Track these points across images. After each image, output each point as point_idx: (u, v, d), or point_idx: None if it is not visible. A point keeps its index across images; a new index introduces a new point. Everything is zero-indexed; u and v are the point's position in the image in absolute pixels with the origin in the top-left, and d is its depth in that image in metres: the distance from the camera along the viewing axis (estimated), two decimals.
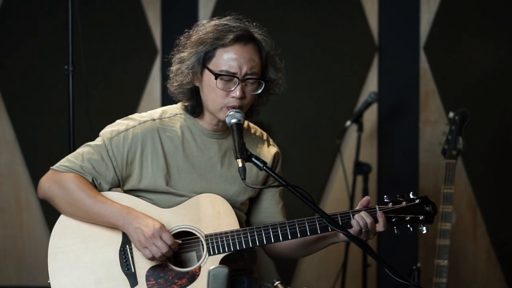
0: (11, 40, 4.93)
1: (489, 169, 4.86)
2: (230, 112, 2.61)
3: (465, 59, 4.88)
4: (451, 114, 4.09)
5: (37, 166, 4.89)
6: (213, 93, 2.62)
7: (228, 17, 2.68)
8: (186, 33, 2.71)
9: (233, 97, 2.61)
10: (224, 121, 2.65)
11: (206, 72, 2.62)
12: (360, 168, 4.63)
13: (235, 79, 2.61)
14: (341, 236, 2.67)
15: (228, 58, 2.60)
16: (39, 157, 4.88)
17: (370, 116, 4.87)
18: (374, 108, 4.86)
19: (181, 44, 2.69)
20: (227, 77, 2.60)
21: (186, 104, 2.72)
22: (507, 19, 4.84)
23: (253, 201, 2.82)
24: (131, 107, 4.73)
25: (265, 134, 2.88)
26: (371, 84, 4.89)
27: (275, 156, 2.84)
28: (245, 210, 2.79)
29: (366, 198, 2.71)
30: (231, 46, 2.60)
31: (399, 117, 4.92)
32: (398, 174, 4.91)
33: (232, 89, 2.61)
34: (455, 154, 4.04)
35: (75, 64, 3.92)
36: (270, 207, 2.83)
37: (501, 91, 4.85)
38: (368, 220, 2.64)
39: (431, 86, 4.87)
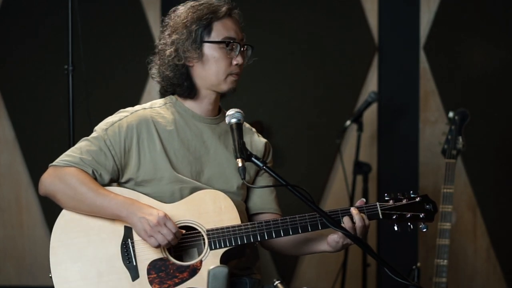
0: (11, 40, 4.94)
1: (489, 169, 4.86)
2: (230, 111, 2.63)
3: (465, 59, 4.88)
4: (451, 114, 4.09)
5: (37, 166, 4.90)
6: (217, 64, 2.71)
7: None
8: (165, 21, 2.81)
9: (235, 64, 2.72)
10: (223, 92, 2.76)
11: (207, 46, 2.71)
12: (360, 167, 4.64)
13: (237, 45, 2.72)
14: (330, 242, 2.68)
15: (227, 27, 2.72)
16: (39, 157, 4.87)
17: (370, 116, 4.87)
18: (374, 108, 4.86)
19: (167, 31, 2.76)
20: (232, 44, 2.70)
21: (179, 88, 2.77)
22: (507, 19, 4.85)
23: (249, 188, 2.84)
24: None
25: (253, 128, 2.92)
26: (371, 84, 4.89)
27: (266, 146, 2.88)
28: (243, 195, 2.81)
29: (362, 201, 2.72)
30: (225, 18, 2.72)
31: (399, 117, 4.93)
32: (398, 174, 4.91)
33: (236, 54, 2.72)
34: (455, 154, 4.04)
35: (75, 64, 3.92)
36: (264, 195, 2.85)
37: (501, 91, 4.85)
38: (367, 222, 2.66)
39: (431, 86, 4.87)
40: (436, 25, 4.85)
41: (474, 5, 4.84)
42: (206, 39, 2.71)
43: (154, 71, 2.82)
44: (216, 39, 2.70)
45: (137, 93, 4.91)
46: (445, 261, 3.95)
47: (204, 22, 2.70)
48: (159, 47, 2.78)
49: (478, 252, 4.86)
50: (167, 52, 2.73)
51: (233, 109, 2.63)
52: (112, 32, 4.95)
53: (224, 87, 2.73)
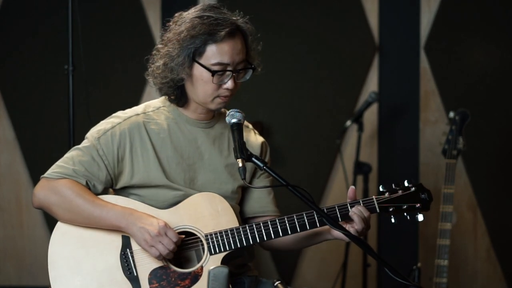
0: (11, 40, 4.93)
1: (489, 169, 4.86)
2: (231, 111, 2.61)
3: (465, 59, 4.88)
4: (451, 114, 4.09)
5: (37, 166, 4.89)
6: (205, 86, 2.63)
7: (208, 5, 2.67)
8: (168, 25, 2.70)
9: (225, 88, 2.63)
10: (211, 110, 2.70)
11: (197, 66, 2.62)
12: (360, 168, 4.63)
13: (228, 72, 2.62)
14: (335, 233, 2.68)
15: (220, 53, 2.60)
16: (39, 157, 4.88)
17: (370, 116, 4.87)
18: (374, 108, 4.86)
19: (166, 38, 2.67)
20: (221, 71, 2.61)
21: (170, 95, 2.72)
22: (507, 19, 4.85)
23: (245, 191, 2.82)
24: (130, 107, 4.72)
25: (250, 125, 2.87)
26: (371, 84, 4.89)
27: (263, 145, 2.84)
28: (238, 199, 2.78)
29: (352, 188, 2.71)
30: (222, 41, 2.60)
31: (399, 117, 4.92)
32: (398, 174, 4.90)
33: (226, 81, 2.63)
34: (455, 154, 4.04)
35: (75, 64, 3.92)
36: (263, 197, 2.83)
37: (501, 91, 4.85)
38: (366, 214, 2.66)
39: (431, 86, 4.87)
40: (436, 25, 4.85)
41: (474, 5, 4.84)
42: (197, 58, 2.61)
43: (149, 71, 2.74)
44: (206, 63, 2.60)
45: (137, 93, 4.91)
46: (446, 261, 3.95)
47: (198, 42, 2.59)
48: (154, 51, 2.71)
49: (479, 252, 4.86)
50: (156, 64, 2.67)
51: (233, 109, 2.62)
52: (112, 32, 4.95)
53: (211, 106, 2.68)
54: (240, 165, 2.50)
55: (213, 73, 2.60)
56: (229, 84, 2.62)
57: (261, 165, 2.51)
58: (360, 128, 4.65)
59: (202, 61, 2.61)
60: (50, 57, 4.85)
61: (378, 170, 4.90)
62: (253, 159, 2.52)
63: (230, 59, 2.61)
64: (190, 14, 2.65)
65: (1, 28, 4.93)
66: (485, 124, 4.78)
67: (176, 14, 2.70)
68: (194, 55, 2.60)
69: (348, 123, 4.67)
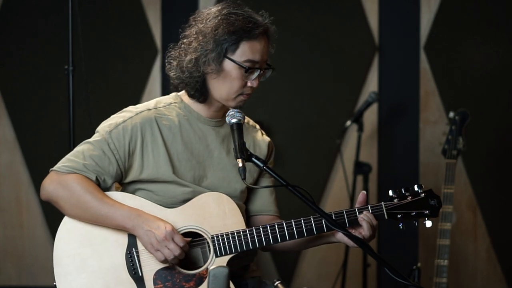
0: (11, 40, 4.93)
1: (489, 169, 4.86)
2: (231, 112, 2.60)
3: (465, 59, 4.88)
4: (451, 114, 4.09)
5: (37, 166, 4.89)
6: (233, 82, 2.64)
7: (234, 2, 2.69)
8: (195, 20, 2.69)
9: (250, 86, 2.65)
10: (229, 107, 2.68)
11: (227, 62, 2.62)
12: (360, 168, 4.63)
13: (257, 70, 2.65)
14: (338, 236, 2.67)
15: (253, 50, 2.63)
16: (39, 157, 4.88)
17: (370, 116, 4.87)
18: (374, 108, 4.86)
19: (195, 32, 2.66)
20: (251, 69, 2.63)
21: (191, 91, 2.70)
22: (507, 19, 4.85)
23: (250, 190, 2.82)
24: None
25: (257, 125, 2.89)
26: (371, 84, 4.89)
27: (269, 145, 2.86)
28: (244, 198, 2.79)
29: (363, 193, 2.70)
30: (256, 39, 2.63)
31: (399, 117, 4.92)
32: (398, 174, 4.91)
33: (252, 79, 2.65)
34: (455, 154, 4.04)
35: (75, 64, 3.92)
36: (265, 197, 2.83)
37: (501, 91, 4.85)
38: (375, 222, 2.65)
39: (431, 86, 4.87)
40: (436, 25, 4.85)
41: (474, 5, 4.84)
42: (229, 55, 2.62)
43: (170, 66, 2.72)
44: (239, 60, 2.62)
45: (137, 93, 4.91)
46: (446, 261, 3.95)
47: (233, 37, 2.61)
48: (182, 46, 2.69)
49: (479, 252, 4.86)
50: (187, 58, 2.65)
51: (233, 109, 2.61)
52: (112, 32, 4.95)
53: (232, 104, 2.67)
54: (240, 165, 2.49)
55: (246, 70, 2.61)
56: (254, 82, 2.65)
57: (261, 165, 2.51)
58: (360, 128, 4.65)
59: (234, 57, 2.62)
60: (50, 57, 4.85)
61: (378, 170, 4.90)
62: (253, 159, 2.52)
63: (260, 57, 2.64)
64: (221, 9, 2.66)
65: (1, 28, 4.93)
66: (484, 124, 4.78)
67: (204, 10, 2.71)
68: (226, 51, 2.62)
69: (348, 123, 4.67)
